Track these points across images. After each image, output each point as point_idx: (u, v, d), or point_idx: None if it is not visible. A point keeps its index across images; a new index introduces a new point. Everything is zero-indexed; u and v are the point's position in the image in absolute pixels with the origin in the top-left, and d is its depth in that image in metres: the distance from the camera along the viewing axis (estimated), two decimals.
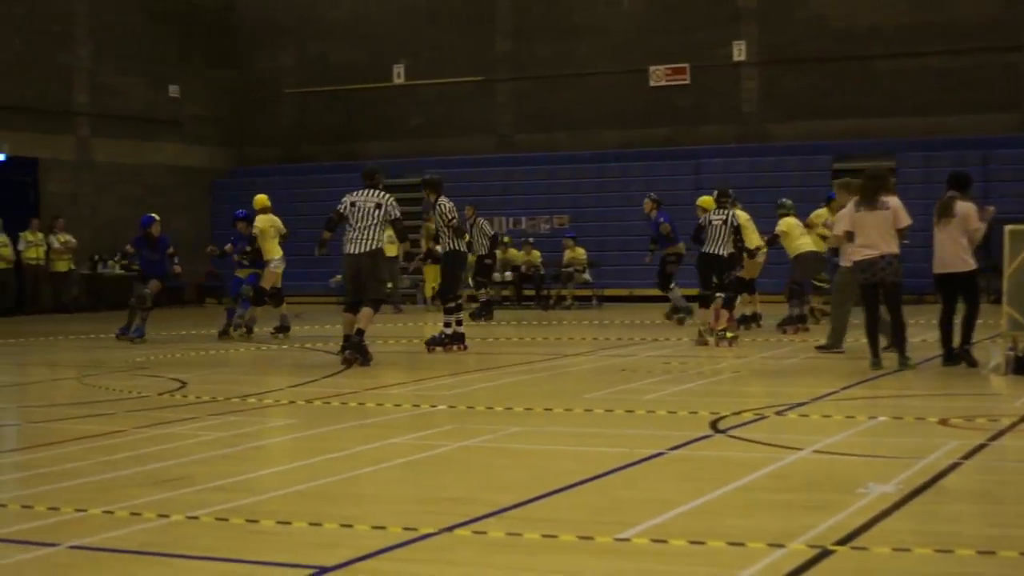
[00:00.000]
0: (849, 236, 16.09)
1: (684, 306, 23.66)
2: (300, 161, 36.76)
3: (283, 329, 22.41)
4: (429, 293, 30.12)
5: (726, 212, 19.18)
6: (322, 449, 10.45)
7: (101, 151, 34.11)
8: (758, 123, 33.12)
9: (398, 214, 17.54)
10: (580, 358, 17.84)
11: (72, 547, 7.18)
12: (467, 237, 19.70)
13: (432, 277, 28.41)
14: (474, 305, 26.02)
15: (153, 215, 22.09)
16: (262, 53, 37.86)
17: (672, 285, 23.82)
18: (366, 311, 16.93)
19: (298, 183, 35.67)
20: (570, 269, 30.42)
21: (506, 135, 35.09)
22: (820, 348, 18.00)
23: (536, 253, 31.19)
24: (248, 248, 21.86)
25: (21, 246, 30.82)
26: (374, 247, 17.11)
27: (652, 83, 33.31)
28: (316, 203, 34.31)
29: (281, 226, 22.27)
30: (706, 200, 20.76)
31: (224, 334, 22.10)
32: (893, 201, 15.73)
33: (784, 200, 22.56)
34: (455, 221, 18.75)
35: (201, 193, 35.59)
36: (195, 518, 7.81)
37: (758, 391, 14.40)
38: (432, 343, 18.82)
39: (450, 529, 7.35)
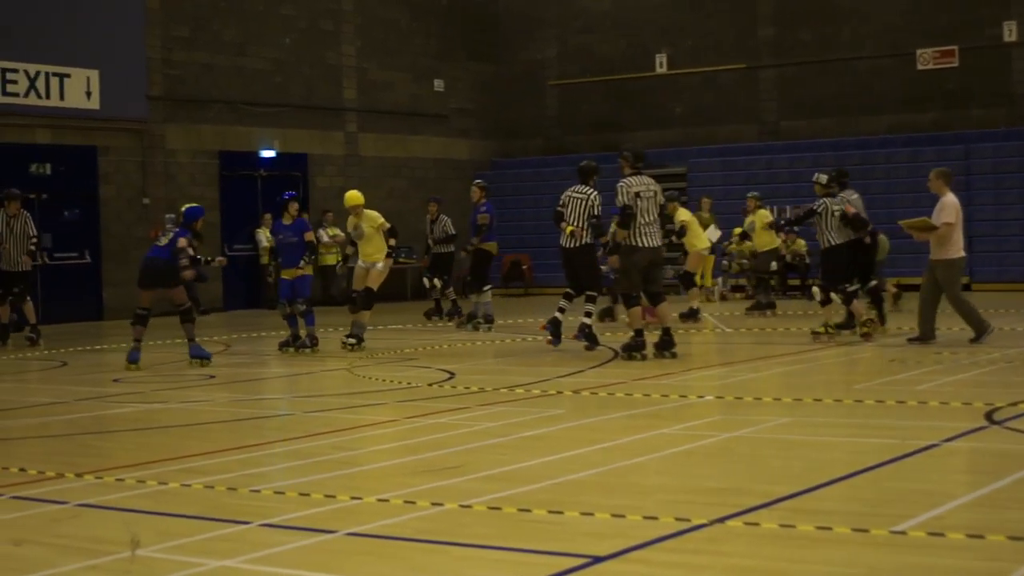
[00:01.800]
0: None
1: (486, 314, 22.44)
2: (563, 152, 36.89)
3: (356, 338, 19.34)
4: (699, 283, 29.49)
5: (835, 199, 18.67)
6: (591, 439, 10.49)
7: (368, 146, 34.75)
8: None
9: (596, 212, 17.87)
10: (848, 348, 17.56)
11: (349, 534, 7.34)
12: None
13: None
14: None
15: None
16: (524, 45, 38.11)
17: (487, 288, 22.61)
18: (634, 311, 16.81)
19: (561, 174, 35.79)
20: None
21: (770, 122, 34.71)
22: (973, 341, 17.37)
23: (801, 242, 30.77)
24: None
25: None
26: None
27: (919, 66, 32.55)
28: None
29: (384, 221, 20.01)
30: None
31: (288, 345, 19.58)
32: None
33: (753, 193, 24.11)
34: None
35: (465, 185, 35.77)
36: (468, 507, 7.91)
37: None
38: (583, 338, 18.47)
39: (722, 520, 7.32)
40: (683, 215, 23.18)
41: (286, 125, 32.60)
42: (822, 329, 18.61)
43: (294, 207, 19.44)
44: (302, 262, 19.14)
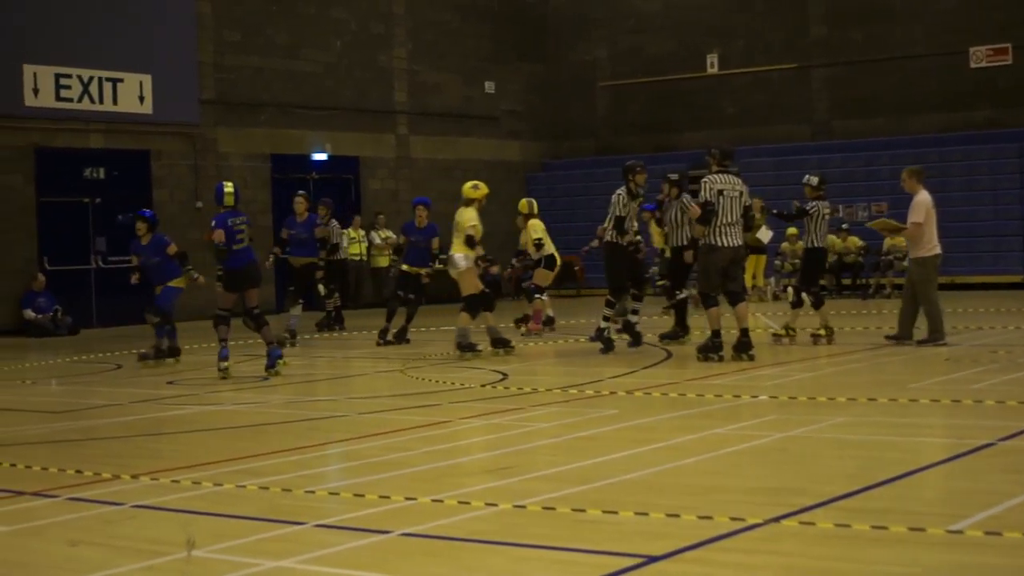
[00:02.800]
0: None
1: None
2: (614, 153, 36.84)
3: (468, 348, 18.11)
4: (750, 283, 29.30)
5: (825, 202, 18.51)
6: (645, 439, 10.47)
7: (419, 148, 34.82)
8: None
9: (619, 212, 17.89)
10: (901, 348, 17.46)
11: (403, 534, 7.34)
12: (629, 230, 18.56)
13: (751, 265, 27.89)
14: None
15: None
16: (574, 46, 38.10)
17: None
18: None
19: (612, 175, 35.68)
20: (889, 257, 29.78)
21: (822, 122, 34.58)
22: (921, 343, 17.37)
23: (854, 240, 30.63)
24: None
25: (344, 243, 31.66)
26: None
27: (972, 64, 32.35)
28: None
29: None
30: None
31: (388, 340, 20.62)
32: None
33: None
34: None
35: (516, 187, 35.91)
36: (522, 507, 7.91)
37: None
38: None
39: (777, 520, 7.29)
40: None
41: (337, 128, 32.72)
42: (783, 332, 18.49)
43: (141, 226, 19.17)
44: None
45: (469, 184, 18.92)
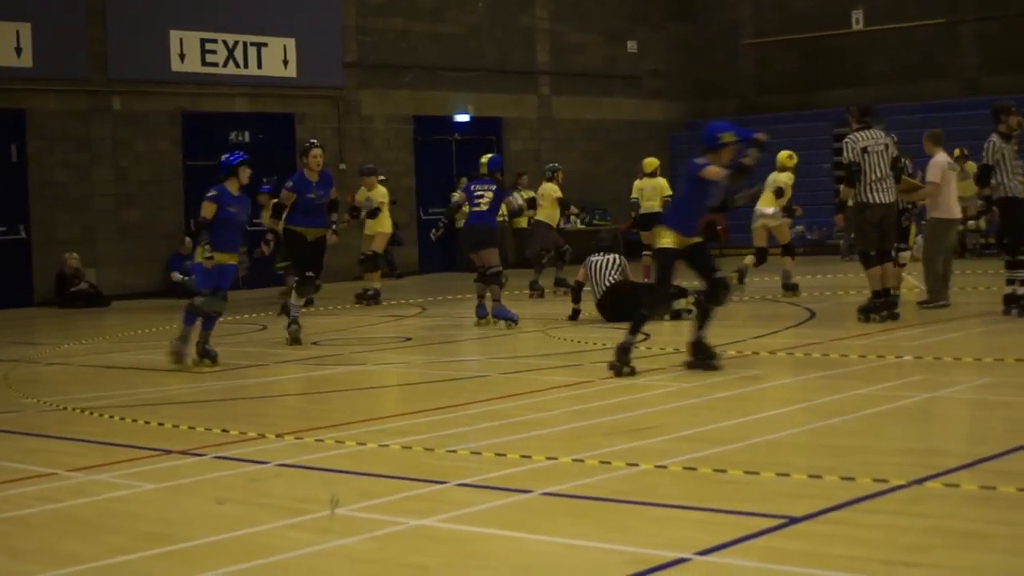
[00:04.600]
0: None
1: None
2: (758, 112, 36.51)
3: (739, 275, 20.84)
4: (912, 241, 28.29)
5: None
6: (787, 400, 10.41)
7: (562, 109, 34.77)
8: None
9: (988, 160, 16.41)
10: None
11: (544, 494, 7.37)
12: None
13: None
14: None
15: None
16: (719, 4, 37.75)
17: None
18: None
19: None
20: None
21: (972, 78, 33.93)
22: (922, 304, 17.16)
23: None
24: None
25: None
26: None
27: None
28: (773, 153, 34.10)
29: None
30: None
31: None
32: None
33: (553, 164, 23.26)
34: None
35: (660, 147, 35.66)
36: (663, 467, 7.89)
37: None
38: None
39: (920, 481, 7.20)
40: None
41: (480, 89, 32.76)
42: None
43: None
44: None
45: (785, 153, 21.33)
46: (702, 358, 12.23)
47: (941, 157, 17.46)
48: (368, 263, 22.37)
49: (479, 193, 17.83)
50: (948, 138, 19.39)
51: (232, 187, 14.63)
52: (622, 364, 12.08)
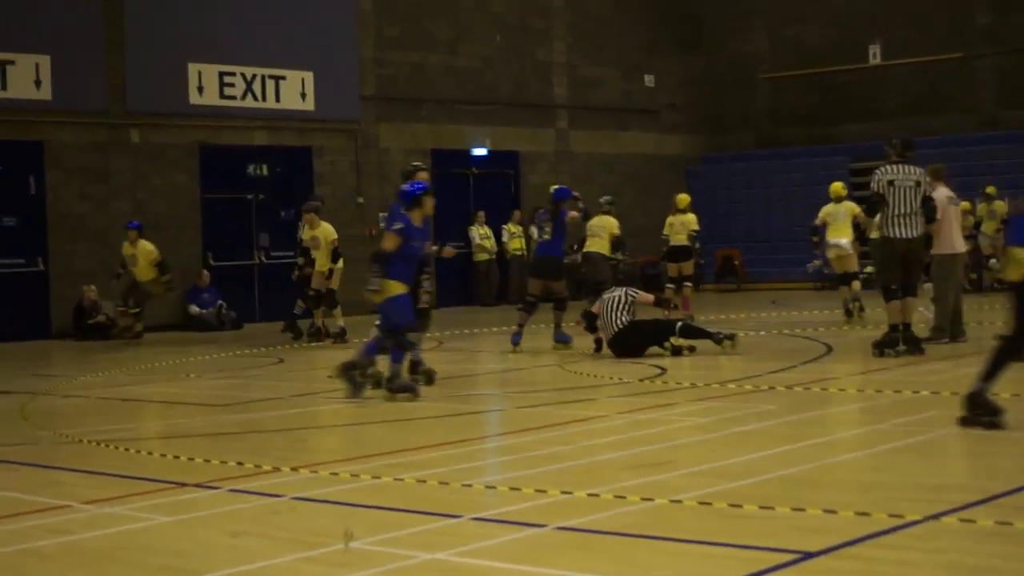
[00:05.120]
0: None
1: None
2: (774, 146, 36.56)
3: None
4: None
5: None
6: (803, 435, 10.38)
7: (579, 142, 34.83)
8: None
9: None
10: None
11: (559, 528, 7.35)
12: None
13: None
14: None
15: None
16: (733, 37, 37.81)
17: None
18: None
19: (772, 168, 35.57)
20: None
21: (988, 112, 33.94)
22: (925, 340, 16.62)
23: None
24: None
25: (504, 238, 31.93)
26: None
27: None
28: (789, 188, 34.18)
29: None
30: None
31: None
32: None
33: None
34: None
35: (676, 180, 35.71)
36: (678, 501, 7.88)
37: None
38: None
39: (936, 516, 7.18)
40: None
41: (497, 123, 32.83)
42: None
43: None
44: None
45: (839, 184, 22.18)
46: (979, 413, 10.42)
47: (942, 192, 17.27)
48: (315, 301, 22.18)
49: (543, 224, 19.12)
50: (964, 173, 19.44)
51: (416, 218, 13.90)
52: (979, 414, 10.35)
